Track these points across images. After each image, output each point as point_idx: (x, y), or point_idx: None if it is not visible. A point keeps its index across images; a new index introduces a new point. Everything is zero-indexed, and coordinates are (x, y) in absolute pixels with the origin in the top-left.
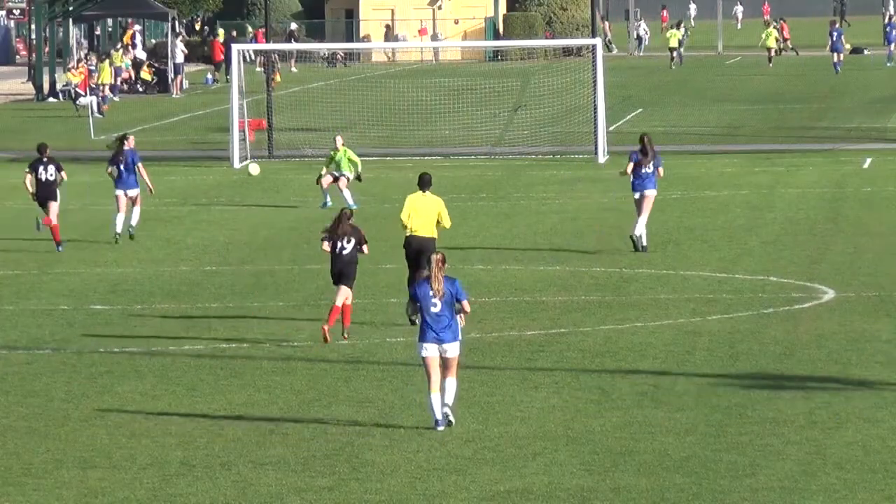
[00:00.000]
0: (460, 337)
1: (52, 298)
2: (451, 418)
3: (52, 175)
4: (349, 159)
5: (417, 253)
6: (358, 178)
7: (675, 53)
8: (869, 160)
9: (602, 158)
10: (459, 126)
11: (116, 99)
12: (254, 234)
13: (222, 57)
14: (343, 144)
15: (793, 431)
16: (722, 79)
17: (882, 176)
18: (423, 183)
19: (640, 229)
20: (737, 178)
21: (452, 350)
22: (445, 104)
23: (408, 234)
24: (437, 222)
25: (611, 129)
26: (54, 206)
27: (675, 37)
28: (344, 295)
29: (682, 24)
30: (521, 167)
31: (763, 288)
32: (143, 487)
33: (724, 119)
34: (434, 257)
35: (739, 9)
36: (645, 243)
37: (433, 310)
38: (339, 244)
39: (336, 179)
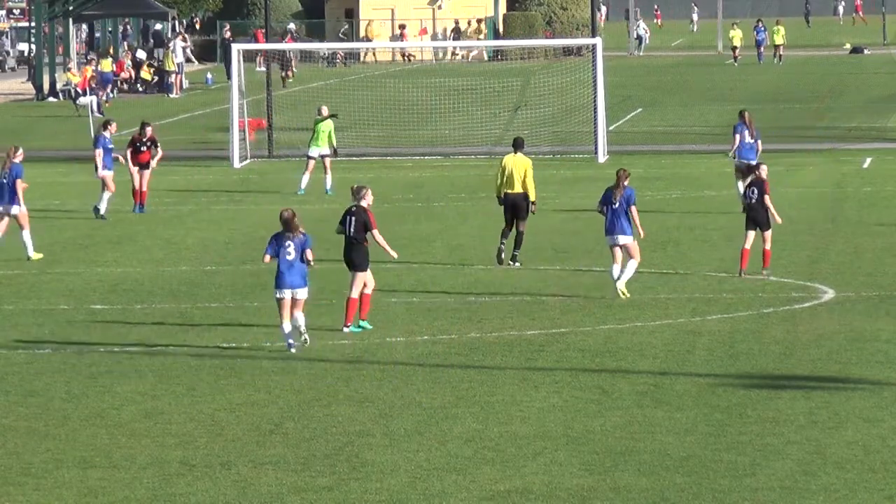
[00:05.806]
0: (308, 283)
1: (52, 298)
2: (306, 336)
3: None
4: (330, 132)
5: (513, 207)
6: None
7: (737, 52)
8: (869, 160)
9: (602, 158)
10: (459, 126)
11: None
12: (253, 233)
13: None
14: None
15: (793, 431)
16: (722, 79)
17: (882, 176)
18: (517, 145)
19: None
20: None
21: (302, 293)
22: (445, 104)
23: (505, 191)
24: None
25: (611, 128)
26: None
27: (737, 37)
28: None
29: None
30: None
31: (763, 288)
32: (143, 487)
33: (724, 119)
34: (295, 220)
35: (696, 11)
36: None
37: (288, 258)
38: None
39: (314, 160)
